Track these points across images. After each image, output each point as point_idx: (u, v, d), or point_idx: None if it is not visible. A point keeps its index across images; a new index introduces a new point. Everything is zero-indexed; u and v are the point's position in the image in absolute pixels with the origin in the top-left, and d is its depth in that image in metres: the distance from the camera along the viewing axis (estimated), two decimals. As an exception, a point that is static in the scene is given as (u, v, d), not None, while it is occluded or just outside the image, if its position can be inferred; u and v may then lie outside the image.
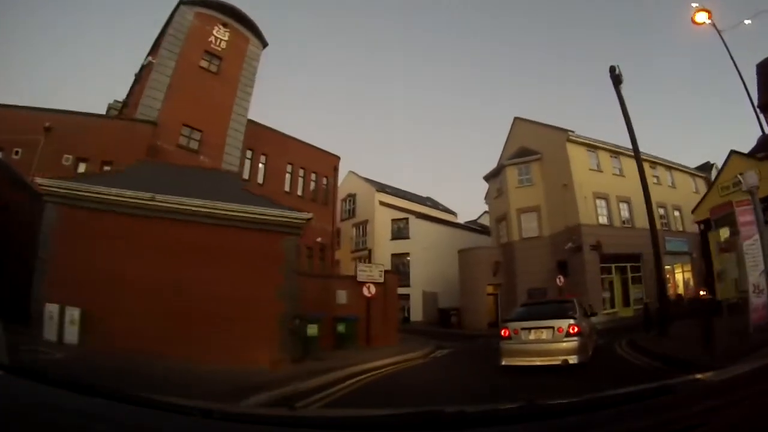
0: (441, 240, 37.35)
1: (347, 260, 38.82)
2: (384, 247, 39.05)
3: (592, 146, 31.87)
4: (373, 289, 19.46)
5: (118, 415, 1.75)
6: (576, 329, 10.19)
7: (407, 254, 38.61)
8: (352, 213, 42.77)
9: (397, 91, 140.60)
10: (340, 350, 16.84)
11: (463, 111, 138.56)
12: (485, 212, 40.54)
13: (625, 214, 31.66)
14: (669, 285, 30.77)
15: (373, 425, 1.93)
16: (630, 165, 30.98)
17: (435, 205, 50.78)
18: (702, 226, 21.92)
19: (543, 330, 10.55)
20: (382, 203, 40.93)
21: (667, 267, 29.86)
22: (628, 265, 30.68)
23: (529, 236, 31.87)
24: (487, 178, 36.48)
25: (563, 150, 30.53)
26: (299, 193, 30.79)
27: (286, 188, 29.60)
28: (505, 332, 11.06)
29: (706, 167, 40.14)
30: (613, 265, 29.97)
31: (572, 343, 10.05)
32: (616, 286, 30.02)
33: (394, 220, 40.08)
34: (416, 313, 36.75)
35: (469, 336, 25.75)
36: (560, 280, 27.35)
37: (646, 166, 32.80)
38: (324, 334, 16.04)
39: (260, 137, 28.20)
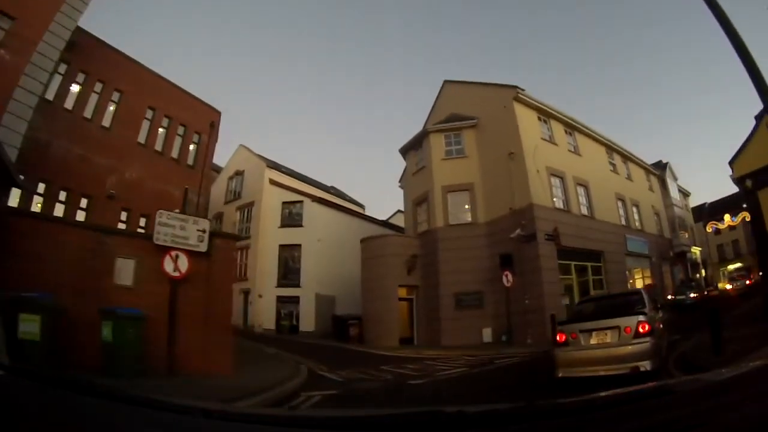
0: (343, 231, 29.76)
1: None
2: (271, 236, 31.85)
3: (544, 112, 24.98)
4: (184, 263, 10.84)
5: (118, 415, 1.73)
6: (646, 328, 8.13)
7: (299, 246, 30.90)
8: (238, 194, 35.40)
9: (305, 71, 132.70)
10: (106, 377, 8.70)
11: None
12: (398, 211, 32.15)
13: (583, 200, 24.86)
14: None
15: (373, 425, 1.82)
16: (586, 144, 26.58)
17: (340, 195, 43.13)
18: (749, 183, 15.92)
19: (607, 331, 8.46)
20: (272, 182, 33.34)
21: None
22: (589, 264, 23.87)
23: (459, 222, 24.00)
24: (405, 150, 28.34)
25: (509, 112, 23.20)
26: (158, 147, 23.91)
27: (141, 139, 22.78)
28: (561, 337, 8.97)
29: (660, 166, 37.46)
30: (572, 263, 22.84)
31: (643, 346, 8.01)
32: (575, 291, 22.88)
33: (285, 204, 32.45)
34: (307, 321, 29.08)
35: (373, 357, 18.15)
36: (507, 278, 20.09)
37: (602, 150, 26.57)
38: (81, 341, 8.91)
39: (110, 63, 21.18)
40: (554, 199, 22.68)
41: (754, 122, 16.79)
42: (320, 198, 33.26)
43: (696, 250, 39.06)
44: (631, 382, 7.34)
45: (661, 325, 9.82)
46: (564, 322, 9.96)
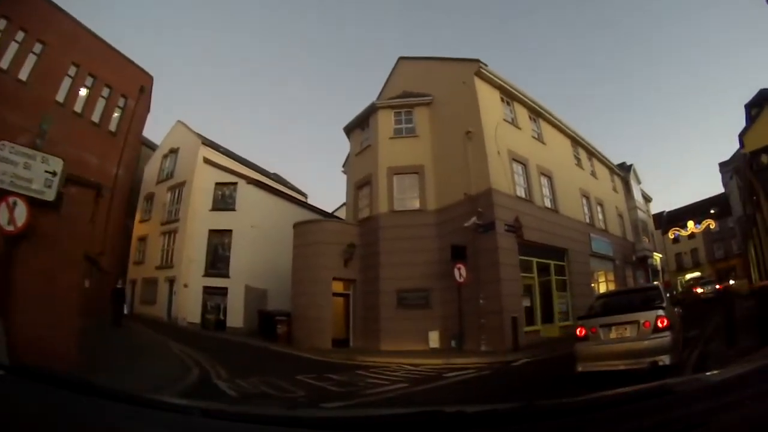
0: (280, 219, 25.93)
1: (155, 236, 30.46)
2: (201, 220, 28.23)
3: (508, 93, 21.81)
4: (22, 214, 7.51)
5: (118, 415, 1.74)
6: (665, 322, 8.07)
7: (230, 232, 27.46)
8: (171, 174, 31.67)
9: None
10: None
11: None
12: (344, 204, 28.91)
13: (547, 192, 21.97)
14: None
15: (373, 425, 1.84)
16: (551, 133, 23.95)
17: (282, 182, 39.43)
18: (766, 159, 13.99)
19: (626, 326, 8.41)
20: (206, 161, 29.57)
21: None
22: (552, 262, 20.90)
23: (405, 209, 20.59)
24: (350, 129, 24.53)
25: (469, 88, 19.94)
26: (77, 109, 21.75)
27: (60, 98, 20.79)
28: (581, 331, 8.90)
29: (624, 167, 35.28)
30: (534, 260, 19.68)
31: (663, 340, 7.95)
32: (536, 292, 19.74)
33: (218, 185, 28.82)
34: (236, 316, 25.58)
35: (295, 362, 15.30)
36: (460, 273, 16.78)
37: (567, 142, 23.61)
38: None
39: (36, 11, 19.70)
40: (516, 187, 19.57)
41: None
42: (256, 180, 29.66)
43: (657, 256, 37.30)
44: (651, 377, 6.52)
45: (678, 320, 9.74)
46: (583, 317, 9.73)
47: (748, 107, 21.09)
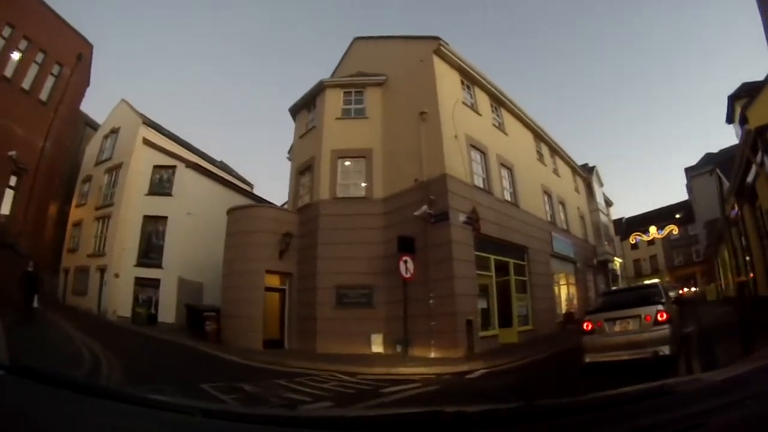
0: (220, 207, 22.22)
1: (90, 222, 26.98)
2: (136, 205, 25.12)
3: (469, 76, 19.47)
4: None
5: (118, 415, 1.69)
6: (665, 316, 8.74)
7: (165, 218, 24.55)
8: (110, 155, 28.33)
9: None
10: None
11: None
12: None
13: (507, 184, 19.76)
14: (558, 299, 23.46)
15: (373, 425, 1.78)
16: (513, 124, 22.12)
17: (228, 171, 36.25)
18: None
19: (629, 320, 8.96)
20: (146, 141, 26.38)
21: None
22: (511, 261, 18.66)
23: (349, 196, 18.02)
24: (296, 110, 21.72)
25: (427, 66, 17.56)
26: (7, 73, 19.32)
27: None
28: (588, 325, 9.45)
29: (586, 169, 33.73)
30: (492, 257, 17.35)
31: (662, 332, 8.58)
32: (493, 293, 17.34)
33: (156, 168, 25.75)
34: (168, 311, 22.81)
35: (212, 365, 13.20)
36: (407, 267, 14.32)
37: (530, 136, 21.71)
38: None
39: None
40: (474, 176, 17.26)
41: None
42: (196, 164, 26.71)
43: (618, 261, 35.82)
44: (653, 366, 8.04)
45: (676, 315, 10.33)
46: (590, 312, 10.19)
47: (732, 99, 19.91)
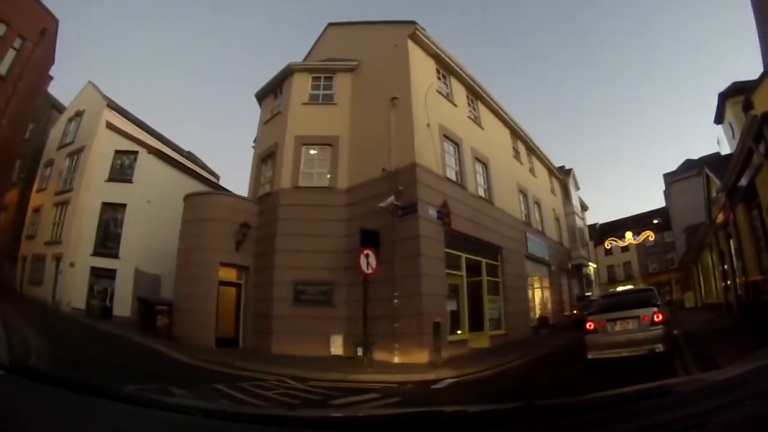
0: (181, 197, 20.17)
1: (49, 206, 25.42)
2: (96, 191, 23.48)
3: (446, 66, 18.15)
4: None
5: (118, 415, 1.66)
6: (661, 317, 9.42)
7: (124, 206, 23.04)
8: (73, 139, 26.75)
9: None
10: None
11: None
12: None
13: (481, 180, 18.59)
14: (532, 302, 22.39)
15: (373, 425, 1.76)
16: (490, 119, 20.98)
17: (194, 160, 34.26)
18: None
19: (629, 320, 9.63)
20: (109, 125, 24.69)
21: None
22: (484, 261, 17.39)
23: (312, 185, 16.52)
24: (263, 95, 20.13)
25: (401, 51, 16.18)
26: None
27: None
28: (591, 325, 10.00)
29: (563, 171, 32.77)
30: (463, 255, 16.05)
31: (658, 332, 9.25)
32: (464, 294, 16.00)
33: (118, 153, 24.20)
34: (124, 303, 21.09)
35: (149, 368, 11.43)
36: (368, 263, 12.75)
37: (507, 133, 20.64)
38: None
39: None
40: (446, 169, 15.93)
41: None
42: (158, 150, 25.12)
43: (592, 266, 34.87)
44: (650, 362, 8.73)
45: (669, 317, 11.03)
46: (591, 313, 10.81)
47: (722, 96, 19.70)
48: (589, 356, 9.68)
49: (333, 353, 14.09)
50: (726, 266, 19.69)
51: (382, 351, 12.95)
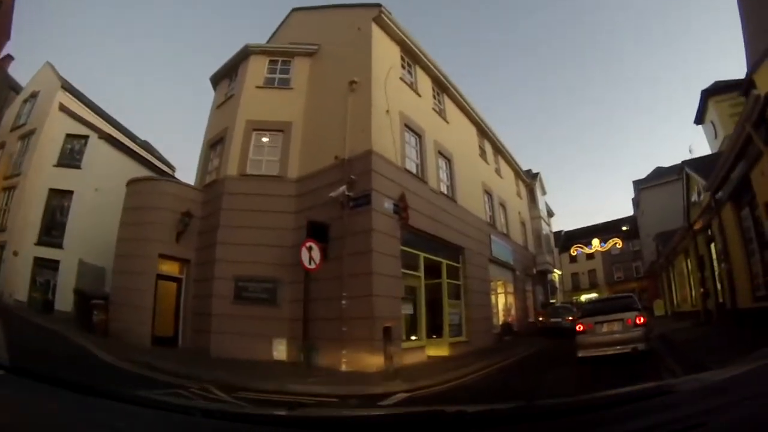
0: None
1: None
2: (44, 177, 21.80)
3: (411, 53, 16.76)
4: None
5: (118, 415, 1.65)
6: (642, 320, 10.56)
7: (71, 193, 21.33)
8: (26, 121, 24.92)
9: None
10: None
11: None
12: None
13: (444, 176, 17.27)
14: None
15: (373, 425, 1.75)
16: (456, 114, 19.74)
17: (149, 150, 31.95)
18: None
19: (614, 322, 10.70)
20: (62, 107, 22.94)
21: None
22: (445, 261, 16.06)
23: (260, 173, 15.02)
24: (218, 79, 18.47)
25: (364, 35, 14.75)
26: None
27: None
28: (581, 327, 11.07)
29: (530, 175, 31.56)
30: (422, 255, 14.68)
31: (640, 332, 10.29)
32: (421, 297, 14.49)
33: (69, 137, 22.51)
34: (67, 297, 18.76)
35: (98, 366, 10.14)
36: (311, 256, 11.20)
37: (473, 130, 19.42)
38: None
39: None
40: (406, 160, 14.54)
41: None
42: (110, 136, 23.28)
43: (557, 273, 33.89)
44: (631, 359, 9.82)
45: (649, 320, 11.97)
46: (582, 316, 11.78)
47: (705, 93, 19.53)
48: (579, 354, 10.73)
49: (276, 358, 12.54)
50: (705, 272, 18.67)
51: (330, 357, 11.38)
